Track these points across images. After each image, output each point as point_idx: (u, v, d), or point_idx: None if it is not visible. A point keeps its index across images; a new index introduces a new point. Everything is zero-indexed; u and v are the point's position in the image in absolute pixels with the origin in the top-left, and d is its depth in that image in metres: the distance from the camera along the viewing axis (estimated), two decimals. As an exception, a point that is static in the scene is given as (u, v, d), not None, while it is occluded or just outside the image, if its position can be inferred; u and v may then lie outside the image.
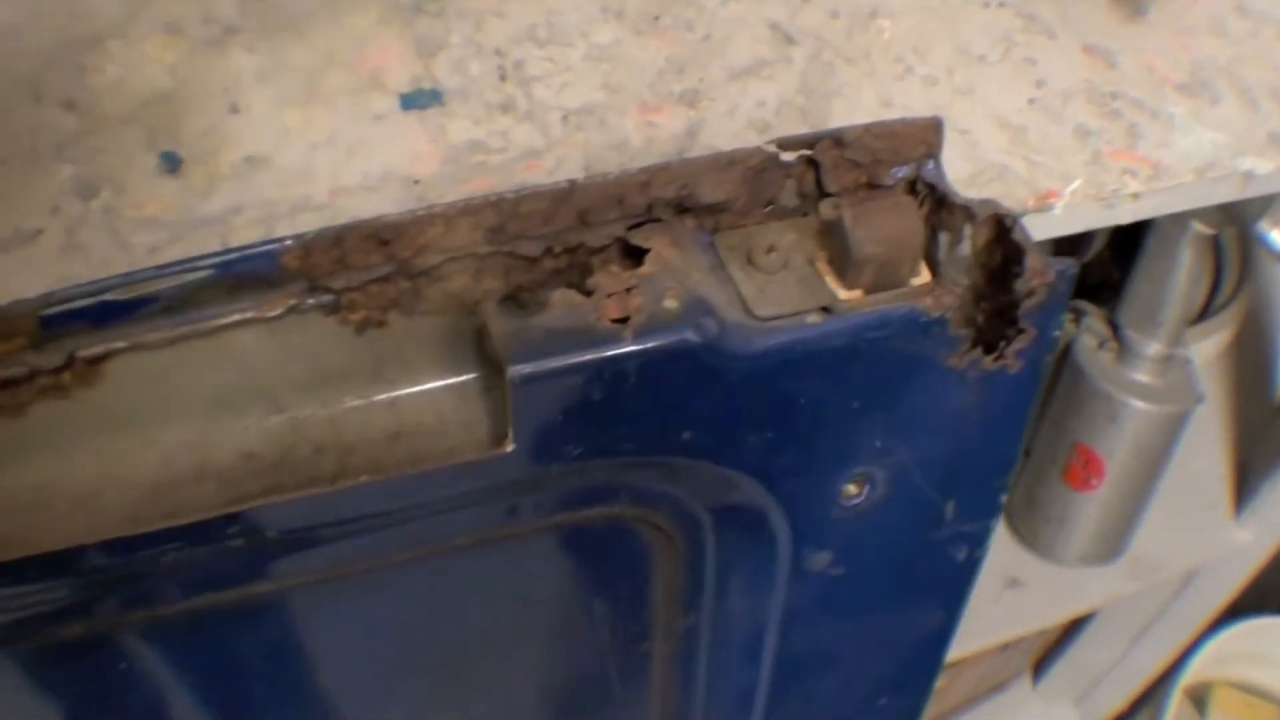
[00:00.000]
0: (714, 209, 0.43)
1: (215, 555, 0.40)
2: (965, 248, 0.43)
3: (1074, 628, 1.23)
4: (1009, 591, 1.00)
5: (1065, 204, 0.56)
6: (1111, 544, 0.96)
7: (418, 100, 0.56)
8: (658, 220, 0.42)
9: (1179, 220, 0.77)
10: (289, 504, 0.39)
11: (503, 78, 0.58)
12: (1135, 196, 0.57)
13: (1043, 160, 0.58)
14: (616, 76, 0.59)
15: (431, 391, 0.43)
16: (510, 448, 0.40)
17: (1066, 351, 0.88)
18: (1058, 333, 0.45)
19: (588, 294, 0.39)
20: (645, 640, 0.55)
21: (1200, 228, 0.77)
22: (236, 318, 0.39)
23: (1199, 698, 1.32)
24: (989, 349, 0.44)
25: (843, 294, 0.42)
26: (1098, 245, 0.94)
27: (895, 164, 0.43)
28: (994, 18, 0.64)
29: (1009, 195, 0.56)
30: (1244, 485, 1.04)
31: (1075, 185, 0.57)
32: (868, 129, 0.42)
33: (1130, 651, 1.25)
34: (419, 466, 0.41)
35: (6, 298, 0.37)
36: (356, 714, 0.54)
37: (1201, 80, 0.63)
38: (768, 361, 0.42)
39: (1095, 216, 0.58)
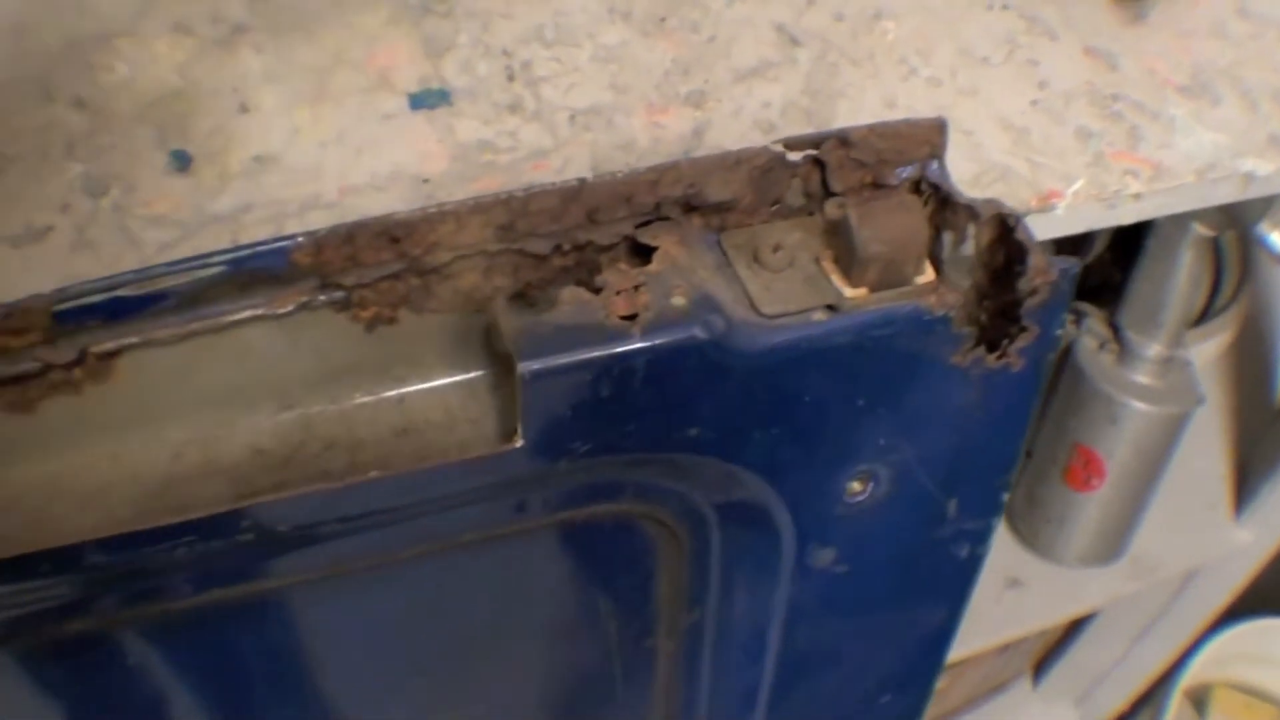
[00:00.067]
0: (721, 208, 0.43)
1: (225, 551, 0.40)
2: (969, 247, 0.43)
3: (1074, 629, 1.23)
4: (1009, 592, 1.00)
5: (1067, 204, 0.57)
6: (1112, 544, 0.96)
7: (426, 100, 0.56)
8: (665, 219, 0.42)
9: (1180, 222, 0.78)
10: (298, 499, 0.40)
11: (510, 78, 0.58)
12: (1137, 197, 0.58)
13: (1045, 161, 0.58)
14: (623, 77, 0.59)
15: (441, 388, 0.43)
16: (519, 443, 0.40)
17: (1067, 353, 0.88)
18: (1060, 331, 0.45)
19: (596, 291, 0.40)
20: (649, 636, 0.55)
21: (1201, 229, 0.77)
22: (248, 314, 0.39)
23: (1199, 699, 1.32)
24: (992, 347, 0.44)
25: (848, 292, 0.42)
26: (1099, 247, 0.95)
27: (900, 164, 0.44)
28: (997, 20, 0.64)
29: (1012, 195, 0.56)
30: (1244, 486, 1.05)
31: (1077, 186, 0.57)
32: (873, 129, 0.43)
33: (1130, 652, 1.25)
34: (428, 462, 0.41)
35: (17, 295, 0.37)
36: (362, 712, 0.54)
37: (1202, 82, 0.63)
38: (773, 358, 0.42)
39: (1097, 217, 0.58)
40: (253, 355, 0.41)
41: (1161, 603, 1.18)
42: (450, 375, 0.43)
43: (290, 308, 0.39)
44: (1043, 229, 0.57)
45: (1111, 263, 0.96)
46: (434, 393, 0.43)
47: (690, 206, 0.42)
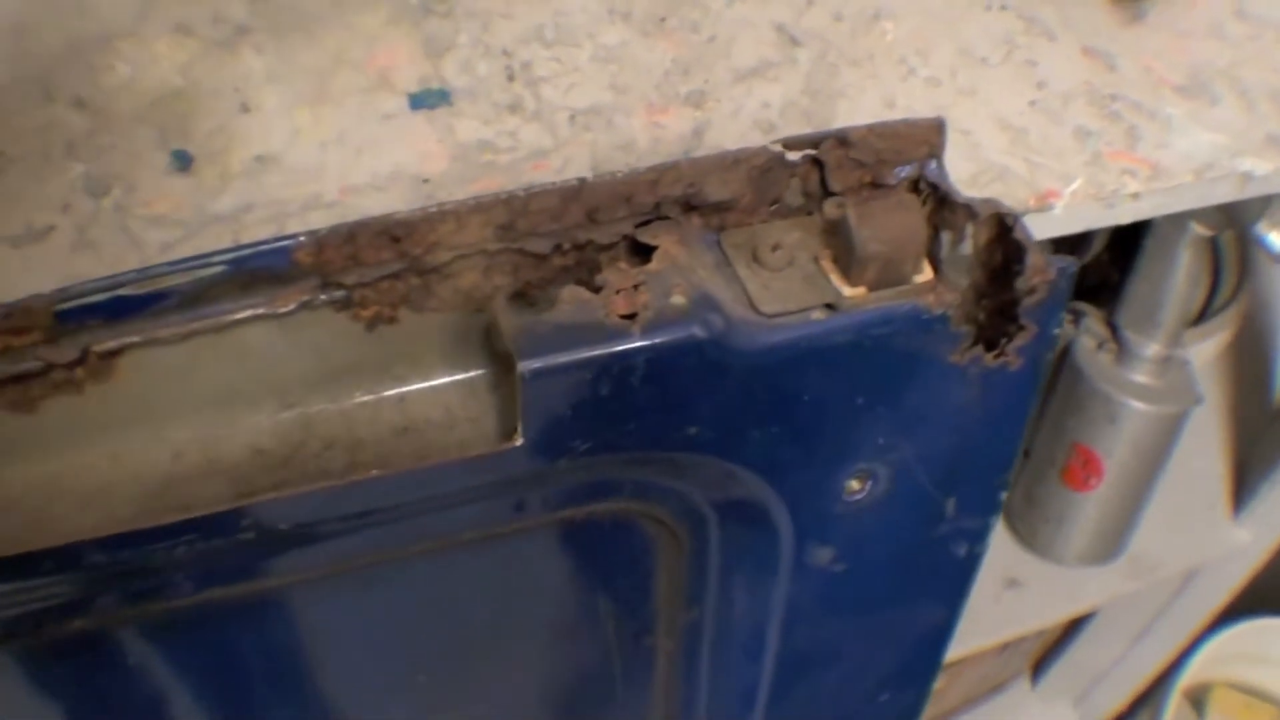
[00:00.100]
0: (720, 207, 0.43)
1: (226, 549, 0.40)
2: (967, 246, 0.44)
3: (1073, 628, 1.23)
4: (1008, 591, 1.01)
5: (1065, 204, 0.57)
6: (1110, 544, 0.96)
7: (426, 100, 0.57)
8: (665, 218, 0.42)
9: (1178, 222, 0.78)
10: (299, 498, 0.40)
11: (510, 78, 0.58)
12: (1134, 197, 0.58)
13: (1043, 161, 0.58)
14: (623, 77, 0.59)
15: (441, 387, 0.44)
16: (519, 442, 0.40)
17: (1066, 352, 0.89)
18: (1058, 330, 0.45)
19: (596, 290, 0.40)
20: (649, 635, 0.56)
21: (1199, 229, 0.78)
22: (249, 313, 0.39)
23: (1198, 699, 1.32)
24: (990, 346, 0.45)
25: (847, 291, 0.42)
26: (1097, 247, 0.95)
27: (898, 164, 0.44)
28: (996, 20, 0.65)
29: (1010, 195, 0.56)
30: (1243, 485, 1.05)
31: (1075, 185, 0.57)
32: (871, 129, 0.43)
33: (1129, 652, 1.25)
34: (428, 461, 0.41)
35: (18, 295, 0.37)
36: (362, 711, 0.54)
37: (1200, 82, 0.63)
38: (772, 357, 0.42)
39: (1095, 216, 0.58)
40: (253, 354, 0.41)
41: (1160, 602, 1.18)
42: (450, 374, 0.44)
43: (291, 307, 0.40)
44: (1041, 228, 0.57)
45: (1110, 262, 0.96)
46: (434, 392, 0.43)
47: (690, 206, 0.43)
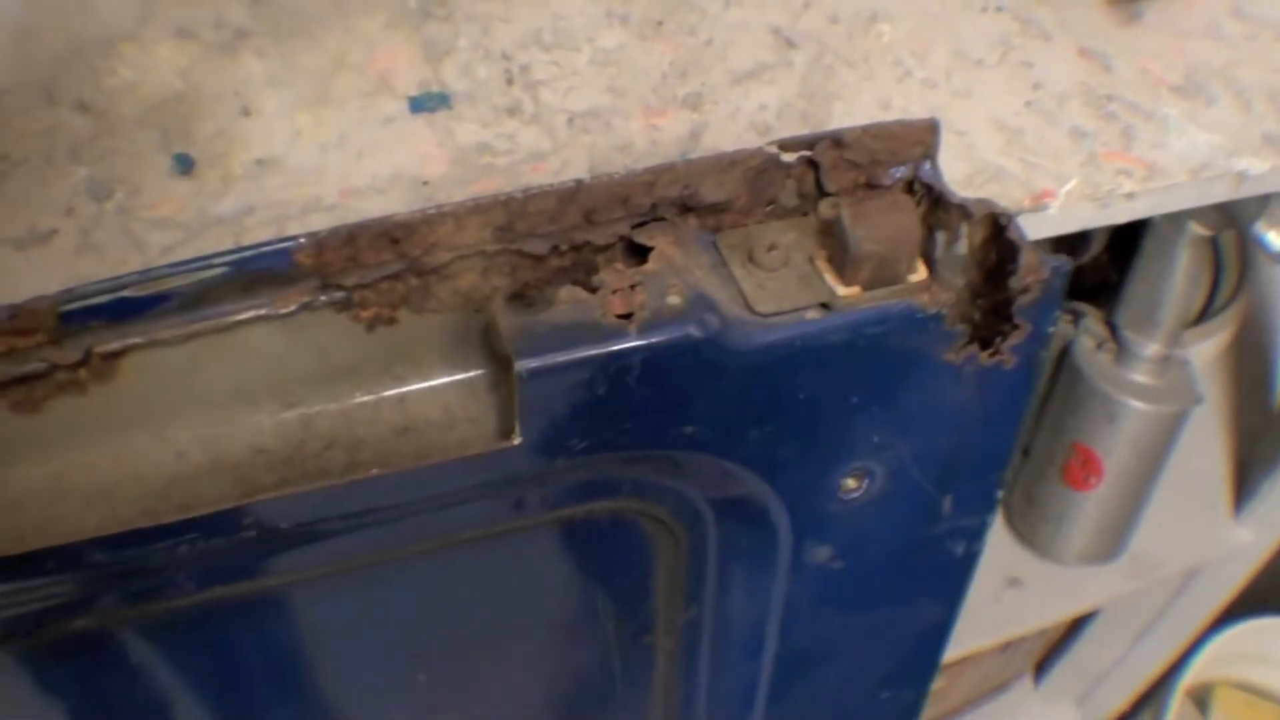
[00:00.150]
0: (716, 208, 0.43)
1: (228, 548, 0.41)
2: (961, 246, 0.44)
3: (1075, 628, 1.23)
4: (1009, 591, 1.01)
5: (1060, 204, 0.57)
6: (1111, 543, 0.96)
7: (426, 103, 0.57)
8: (661, 219, 0.43)
9: (1176, 221, 0.78)
10: (300, 497, 0.40)
11: (509, 81, 0.59)
12: (1130, 197, 0.58)
13: (1039, 161, 0.58)
14: (621, 80, 0.59)
15: (440, 387, 0.44)
16: (517, 441, 0.40)
17: (1065, 352, 0.89)
18: (1052, 328, 0.46)
19: (593, 291, 0.40)
20: (647, 634, 0.56)
21: (1197, 229, 0.78)
22: (250, 314, 0.40)
23: (1201, 698, 1.32)
24: (985, 345, 0.45)
25: (841, 291, 0.43)
26: (1095, 247, 0.95)
27: (893, 164, 0.44)
28: (992, 22, 0.65)
29: (1005, 195, 0.57)
30: (1243, 485, 1.05)
31: (1070, 185, 0.57)
32: (866, 130, 0.43)
33: (1131, 652, 1.25)
34: (428, 460, 0.42)
35: (22, 297, 0.37)
36: (362, 710, 0.55)
37: (1196, 82, 0.64)
38: (768, 356, 0.42)
39: (1090, 216, 0.58)
40: (254, 355, 0.41)
41: (1162, 602, 1.18)
42: (449, 374, 0.44)
43: (292, 308, 0.40)
44: (1036, 228, 0.57)
45: (1109, 262, 0.96)
46: (433, 392, 0.44)
47: (686, 207, 0.43)
